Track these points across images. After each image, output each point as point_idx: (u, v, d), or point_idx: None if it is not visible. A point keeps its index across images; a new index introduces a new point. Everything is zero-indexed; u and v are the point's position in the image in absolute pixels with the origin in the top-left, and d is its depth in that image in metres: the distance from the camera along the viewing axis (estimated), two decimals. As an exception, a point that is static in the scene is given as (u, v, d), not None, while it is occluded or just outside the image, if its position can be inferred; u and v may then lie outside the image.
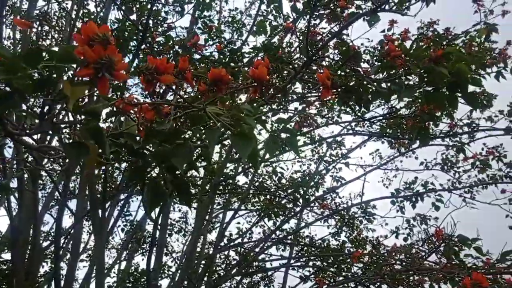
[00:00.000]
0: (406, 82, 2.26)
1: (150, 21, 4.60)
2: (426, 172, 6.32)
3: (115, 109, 1.34)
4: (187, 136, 1.49)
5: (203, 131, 1.47)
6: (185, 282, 5.47)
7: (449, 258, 2.83)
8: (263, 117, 2.09)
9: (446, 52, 2.04)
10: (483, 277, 1.80)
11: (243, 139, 1.34)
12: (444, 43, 4.24)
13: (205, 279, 6.11)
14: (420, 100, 2.77)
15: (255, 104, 2.05)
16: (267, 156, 6.27)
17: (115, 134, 1.34)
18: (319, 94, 2.14)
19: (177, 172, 1.27)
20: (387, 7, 2.66)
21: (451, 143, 5.73)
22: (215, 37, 5.95)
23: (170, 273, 7.85)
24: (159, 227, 5.23)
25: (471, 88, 2.13)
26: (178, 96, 1.64)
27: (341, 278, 5.47)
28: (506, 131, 4.76)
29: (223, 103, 1.54)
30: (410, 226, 5.84)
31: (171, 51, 4.86)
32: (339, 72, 2.74)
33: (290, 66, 3.12)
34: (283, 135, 1.86)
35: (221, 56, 3.23)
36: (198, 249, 6.56)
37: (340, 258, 5.98)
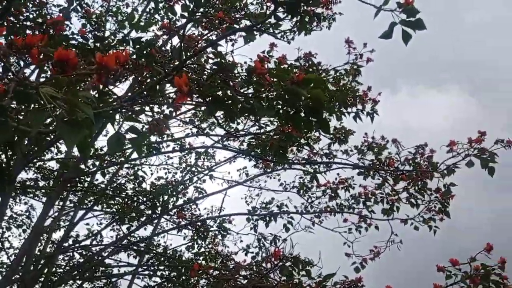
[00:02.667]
0: (268, 102, 2.32)
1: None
2: (285, 193, 6.59)
3: None
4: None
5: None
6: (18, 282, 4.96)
7: (288, 277, 2.95)
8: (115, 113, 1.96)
9: (306, 78, 2.13)
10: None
11: (73, 126, 1.23)
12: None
13: (41, 279, 5.59)
14: (280, 121, 2.87)
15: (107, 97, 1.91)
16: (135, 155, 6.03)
17: None
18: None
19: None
20: (263, 27, 2.71)
21: (311, 169, 6.07)
22: (94, 24, 5.59)
23: (4, 270, 7.09)
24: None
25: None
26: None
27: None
28: (355, 166, 5.19)
29: (61, 86, 1.41)
30: (261, 244, 6.01)
31: (41, 29, 4.44)
32: (210, 81, 2.72)
33: (162, 67, 3.03)
34: (129, 135, 1.75)
35: (84, 42, 3.02)
36: (41, 247, 6.01)
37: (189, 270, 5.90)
